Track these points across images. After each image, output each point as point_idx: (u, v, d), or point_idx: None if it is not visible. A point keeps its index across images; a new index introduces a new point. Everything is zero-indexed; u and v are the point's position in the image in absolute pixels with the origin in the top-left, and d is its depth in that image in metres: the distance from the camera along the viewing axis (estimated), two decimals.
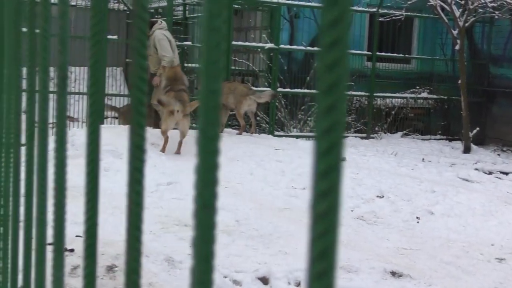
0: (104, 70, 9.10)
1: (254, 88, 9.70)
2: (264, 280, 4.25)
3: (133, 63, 0.84)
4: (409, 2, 10.23)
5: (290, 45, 11.52)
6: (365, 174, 7.25)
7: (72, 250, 3.75)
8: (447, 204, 6.27)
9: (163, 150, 7.71)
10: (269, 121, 10.54)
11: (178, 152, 7.82)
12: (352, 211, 5.94)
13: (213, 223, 0.67)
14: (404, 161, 8.68)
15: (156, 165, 6.81)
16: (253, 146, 8.34)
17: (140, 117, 0.84)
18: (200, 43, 0.65)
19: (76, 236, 3.87)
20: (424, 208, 6.11)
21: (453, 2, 9.53)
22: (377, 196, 6.44)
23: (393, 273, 4.31)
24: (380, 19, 11.15)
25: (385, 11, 11.28)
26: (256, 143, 8.57)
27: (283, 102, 10.98)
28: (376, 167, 7.94)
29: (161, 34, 8.56)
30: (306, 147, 8.73)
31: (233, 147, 8.09)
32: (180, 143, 7.89)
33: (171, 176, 6.54)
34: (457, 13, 9.52)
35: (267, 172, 7.08)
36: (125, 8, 13.47)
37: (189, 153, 7.54)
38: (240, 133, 9.23)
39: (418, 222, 5.74)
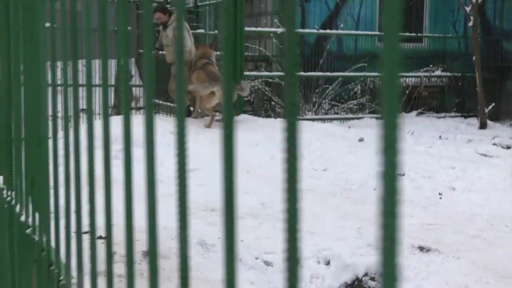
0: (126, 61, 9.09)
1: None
2: None
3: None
4: None
5: (302, 28, 11.54)
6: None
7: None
8: (468, 180, 6.31)
9: (209, 125, 8.43)
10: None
11: (209, 126, 8.42)
12: (374, 189, 5.99)
13: None
14: (421, 139, 8.72)
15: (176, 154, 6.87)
16: (271, 130, 8.39)
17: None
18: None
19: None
20: (445, 184, 6.17)
21: None
22: (398, 174, 6.48)
23: (421, 248, 4.38)
24: None
25: None
26: (273, 127, 8.62)
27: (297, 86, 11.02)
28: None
29: (185, 24, 8.62)
30: (322, 129, 8.78)
31: (250, 132, 8.16)
32: (212, 117, 8.37)
33: (193, 162, 6.59)
34: None
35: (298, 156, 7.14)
36: None
37: (209, 140, 7.60)
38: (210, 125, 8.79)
39: (440, 198, 5.79)
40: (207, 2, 11.76)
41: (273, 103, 11.18)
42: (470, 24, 9.76)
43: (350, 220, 5.01)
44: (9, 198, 2.07)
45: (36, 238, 1.72)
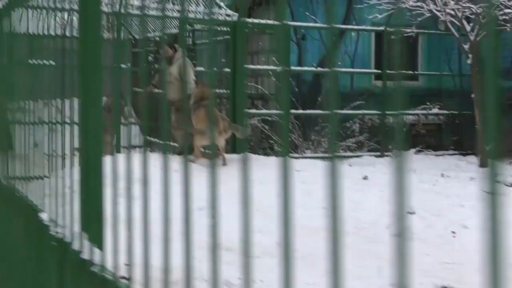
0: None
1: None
2: None
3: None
4: (419, 19, 10.30)
5: (299, 66, 11.57)
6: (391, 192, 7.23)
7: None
8: (479, 218, 6.25)
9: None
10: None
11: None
12: (387, 228, 5.91)
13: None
14: (425, 177, 8.68)
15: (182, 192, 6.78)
16: (274, 168, 8.32)
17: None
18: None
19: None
20: (457, 223, 6.10)
21: (463, 17, 9.61)
22: (408, 213, 6.41)
23: None
24: (393, 37, 11.19)
25: (393, 29, 11.35)
26: (276, 166, 8.55)
27: (295, 124, 11.00)
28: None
29: (188, 61, 8.60)
30: (325, 167, 8.71)
31: (253, 170, 8.08)
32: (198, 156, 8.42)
33: (201, 201, 6.50)
34: (468, 27, 9.59)
35: (294, 193, 7.06)
36: (131, 37, 13.51)
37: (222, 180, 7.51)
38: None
39: (454, 237, 5.72)
40: (203, 41, 11.78)
41: (271, 141, 11.14)
42: (469, 61, 9.83)
43: (367, 259, 4.92)
44: (60, 235, 1.97)
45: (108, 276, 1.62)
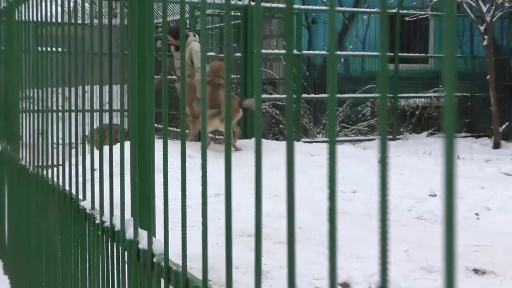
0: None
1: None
2: (346, 286, 4.15)
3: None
4: (434, 0, 10.17)
5: (309, 50, 11.46)
6: (409, 174, 7.16)
7: None
8: (501, 199, 6.18)
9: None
10: (295, 128, 10.46)
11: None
12: (409, 211, 5.85)
13: None
14: (441, 160, 8.58)
15: (200, 178, 6.71)
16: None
17: None
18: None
19: None
20: (479, 204, 6.02)
21: None
22: (430, 195, 6.34)
23: (476, 271, 4.22)
24: (407, 19, 11.09)
25: (405, 11, 11.23)
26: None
27: (307, 108, 10.91)
28: (416, 167, 7.85)
29: (198, 46, 8.46)
30: (339, 151, 8.65)
31: (269, 155, 7.98)
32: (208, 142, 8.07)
33: (218, 187, 6.43)
34: (484, 8, 9.46)
35: (312, 178, 6.99)
36: None
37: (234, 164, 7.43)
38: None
39: (478, 219, 5.65)
40: (212, 26, 11.68)
41: (281, 126, 11.05)
42: (485, 43, 9.71)
43: (394, 243, 4.81)
44: (107, 224, 1.89)
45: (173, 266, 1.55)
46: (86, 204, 2.09)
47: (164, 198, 1.63)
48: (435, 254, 4.54)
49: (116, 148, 1.90)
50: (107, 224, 1.89)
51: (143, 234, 1.73)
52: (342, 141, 10.67)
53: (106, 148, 2.06)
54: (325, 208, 4.23)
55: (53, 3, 2.97)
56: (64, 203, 2.34)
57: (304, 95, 10.55)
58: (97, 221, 1.97)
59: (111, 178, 1.93)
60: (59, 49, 2.84)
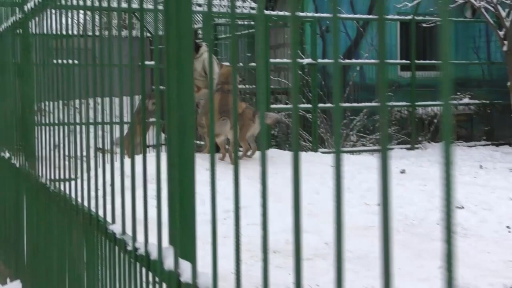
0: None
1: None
2: None
3: None
4: (451, 6, 9.96)
5: (323, 59, 11.27)
6: (434, 186, 6.94)
7: None
8: None
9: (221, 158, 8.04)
10: (312, 138, 10.25)
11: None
12: (438, 224, 5.62)
13: None
14: (464, 169, 8.37)
15: (219, 191, 6.52)
16: (308, 164, 8.04)
17: None
18: None
19: None
20: (509, 217, 5.80)
21: (498, 2, 9.27)
22: (456, 207, 6.12)
23: None
24: (424, 25, 10.89)
25: (421, 18, 11.04)
26: (309, 161, 8.28)
27: (323, 118, 10.71)
28: (439, 177, 7.64)
29: (212, 56, 8.30)
30: (360, 161, 8.45)
31: (287, 167, 7.81)
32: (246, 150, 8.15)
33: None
34: (503, 13, 9.26)
35: (333, 190, 6.79)
36: (149, 35, 13.30)
37: (250, 176, 7.24)
38: (242, 157, 8.48)
39: (510, 232, 5.42)
40: (225, 36, 11.51)
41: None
42: (504, 48, 9.48)
43: (426, 258, 4.63)
44: (141, 251, 1.70)
45: None
46: (116, 228, 1.90)
47: (212, 227, 1.45)
48: (470, 270, 4.33)
49: (150, 165, 1.73)
50: (141, 251, 1.70)
51: (185, 265, 1.54)
52: (360, 151, 10.46)
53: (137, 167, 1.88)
54: (350, 223, 4.03)
55: (69, 14, 2.85)
56: (89, 225, 2.16)
57: (320, 105, 10.36)
58: (129, 247, 1.78)
59: (145, 200, 1.74)
60: (76, 61, 2.72)
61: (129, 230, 1.83)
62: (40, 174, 3.14)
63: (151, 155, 2.66)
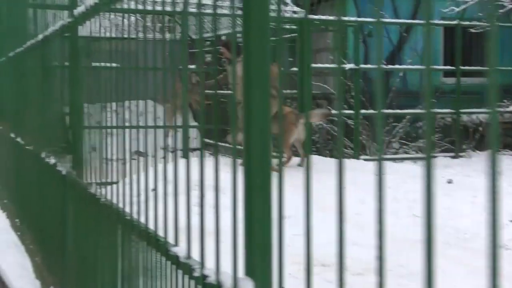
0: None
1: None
2: None
3: None
4: (500, 11, 9.69)
5: (365, 64, 11.06)
6: (484, 197, 6.69)
7: None
8: None
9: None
10: (353, 145, 10.04)
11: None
12: None
13: None
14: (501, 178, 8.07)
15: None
16: (351, 172, 7.85)
17: None
18: None
19: None
20: None
21: None
22: (510, 221, 5.88)
23: None
24: (472, 30, 10.61)
25: (467, 23, 10.75)
26: (351, 169, 8.07)
27: (365, 124, 10.50)
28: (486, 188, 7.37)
29: None
30: (403, 170, 8.21)
31: (330, 175, 7.62)
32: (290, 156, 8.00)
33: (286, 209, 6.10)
34: None
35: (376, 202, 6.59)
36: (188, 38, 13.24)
37: (289, 183, 7.08)
38: (285, 165, 8.22)
39: None
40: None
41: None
42: None
43: (482, 278, 4.41)
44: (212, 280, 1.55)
45: None
46: (180, 251, 1.75)
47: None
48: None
49: (224, 179, 1.60)
50: (211, 280, 1.55)
51: None
52: (402, 159, 10.22)
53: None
54: (399, 235, 3.79)
55: (118, 18, 2.77)
56: (147, 244, 2.02)
57: (363, 111, 10.15)
58: (196, 274, 1.63)
59: (217, 222, 1.61)
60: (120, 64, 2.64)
61: (195, 253, 1.69)
62: (88, 182, 3.03)
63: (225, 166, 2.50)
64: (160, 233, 1.93)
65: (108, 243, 2.50)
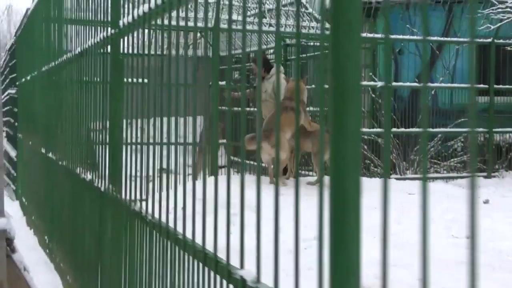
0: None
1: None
2: None
3: None
4: None
5: (395, 82, 10.91)
6: None
7: None
8: None
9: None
10: (384, 164, 9.86)
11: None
12: None
13: None
14: None
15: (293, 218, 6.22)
16: (379, 191, 7.67)
17: None
18: None
19: None
20: None
21: None
22: None
23: None
24: (508, 48, 10.44)
25: (501, 41, 10.58)
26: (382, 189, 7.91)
27: (395, 143, 10.33)
28: None
29: (283, 77, 8.05)
30: (438, 190, 8.03)
31: (363, 194, 7.46)
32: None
33: (314, 228, 5.94)
34: None
35: (414, 220, 6.41)
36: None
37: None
38: (316, 184, 7.85)
39: None
40: (293, 57, 11.28)
41: (367, 161, 10.48)
42: None
43: None
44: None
45: None
46: (247, 274, 1.63)
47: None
48: None
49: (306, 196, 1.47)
50: None
51: None
52: (433, 178, 10.02)
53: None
54: (442, 257, 3.58)
55: (158, 33, 2.71)
56: (204, 264, 1.90)
57: (394, 129, 9.99)
58: None
59: (297, 242, 1.50)
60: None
61: (264, 277, 1.57)
62: (131, 199, 2.92)
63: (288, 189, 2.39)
64: (221, 254, 1.82)
65: (159, 263, 2.39)
